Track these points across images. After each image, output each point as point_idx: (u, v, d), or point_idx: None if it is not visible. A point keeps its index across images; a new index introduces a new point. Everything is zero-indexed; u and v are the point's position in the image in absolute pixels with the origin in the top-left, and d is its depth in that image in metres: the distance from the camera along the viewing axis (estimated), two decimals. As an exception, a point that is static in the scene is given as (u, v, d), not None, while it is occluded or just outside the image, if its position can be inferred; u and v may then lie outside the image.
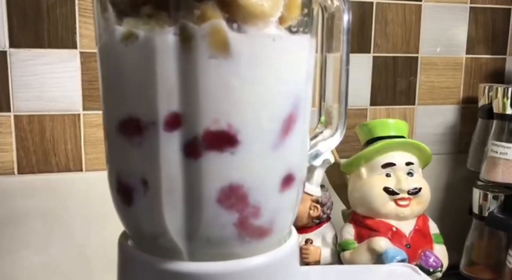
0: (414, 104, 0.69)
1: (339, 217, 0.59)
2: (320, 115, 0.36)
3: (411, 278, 0.42)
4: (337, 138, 0.35)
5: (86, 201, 0.57)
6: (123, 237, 0.31)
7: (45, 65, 0.55)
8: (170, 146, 0.26)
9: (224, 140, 0.26)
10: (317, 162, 0.50)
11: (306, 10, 0.28)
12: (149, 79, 0.25)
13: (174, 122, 0.26)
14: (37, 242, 0.56)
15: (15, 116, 0.55)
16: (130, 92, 0.27)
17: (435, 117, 0.70)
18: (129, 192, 0.28)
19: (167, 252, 0.28)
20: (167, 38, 0.25)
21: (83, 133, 0.57)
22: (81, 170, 0.58)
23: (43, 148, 0.56)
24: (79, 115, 0.57)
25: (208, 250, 0.28)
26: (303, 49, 0.28)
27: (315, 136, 0.35)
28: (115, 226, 0.56)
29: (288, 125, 0.28)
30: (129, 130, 0.27)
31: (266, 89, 0.26)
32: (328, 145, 0.35)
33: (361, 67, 0.66)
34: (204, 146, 0.26)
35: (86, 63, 0.56)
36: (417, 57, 0.68)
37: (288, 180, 0.28)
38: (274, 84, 0.27)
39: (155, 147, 0.26)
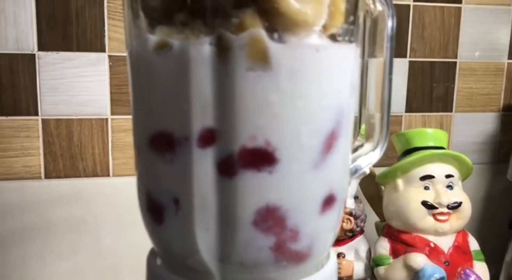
0: (451, 111, 0.66)
1: (372, 229, 0.57)
2: (360, 124, 0.34)
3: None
4: (378, 153, 0.33)
5: (113, 207, 0.56)
6: (152, 255, 0.30)
7: (74, 69, 0.54)
8: (204, 163, 0.24)
9: (262, 158, 0.24)
10: (353, 173, 0.48)
11: (351, 18, 0.26)
12: (183, 92, 0.24)
13: (208, 138, 0.24)
14: (63, 248, 0.55)
15: (43, 120, 0.54)
16: (162, 105, 0.25)
17: (473, 125, 0.67)
18: (159, 210, 0.26)
19: (197, 274, 0.27)
20: (202, 49, 0.23)
21: (110, 138, 0.56)
22: (108, 175, 0.57)
23: (70, 152, 0.55)
24: (107, 119, 0.56)
25: (241, 274, 0.26)
26: (347, 60, 0.26)
27: (355, 150, 0.33)
28: (142, 232, 0.56)
29: (330, 141, 0.26)
30: (160, 145, 0.25)
31: (308, 103, 0.24)
32: (369, 160, 0.33)
33: (397, 72, 0.63)
34: (240, 164, 0.24)
35: (115, 67, 0.55)
36: (455, 62, 0.65)
37: (329, 201, 0.26)
38: (316, 98, 0.25)
39: (187, 164, 0.24)
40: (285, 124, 0.24)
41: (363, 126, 0.34)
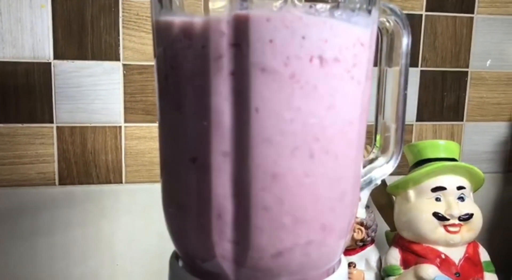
0: (462, 120, 0.66)
1: (383, 238, 0.57)
2: (375, 135, 0.35)
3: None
4: (391, 165, 0.33)
5: (125, 213, 0.57)
6: (175, 258, 0.31)
7: (88, 77, 0.55)
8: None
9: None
10: (363, 183, 0.48)
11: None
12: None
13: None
14: (76, 253, 0.56)
15: (58, 127, 0.55)
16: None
17: (484, 134, 0.67)
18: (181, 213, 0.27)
19: (214, 277, 0.28)
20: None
21: (124, 145, 0.57)
22: (121, 182, 0.57)
23: (84, 159, 0.56)
24: (120, 127, 0.56)
25: (254, 277, 0.27)
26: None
27: (370, 162, 0.34)
28: (154, 239, 0.56)
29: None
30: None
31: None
32: (383, 171, 0.33)
33: (408, 81, 0.63)
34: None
35: (129, 76, 0.56)
36: (466, 71, 0.65)
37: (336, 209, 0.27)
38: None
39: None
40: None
41: (378, 137, 0.35)
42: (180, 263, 0.31)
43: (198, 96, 0.25)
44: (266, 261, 0.26)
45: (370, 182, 0.34)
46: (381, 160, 0.35)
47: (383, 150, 0.35)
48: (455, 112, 0.66)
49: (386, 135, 0.35)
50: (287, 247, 0.26)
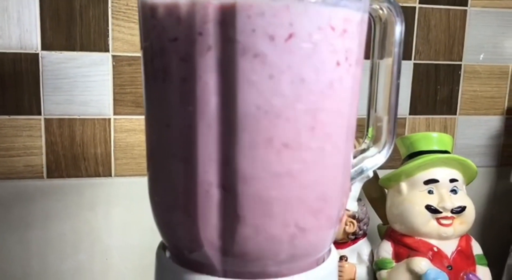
0: (455, 114, 0.66)
1: (375, 232, 0.57)
2: (367, 127, 0.34)
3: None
4: (384, 155, 0.33)
5: (114, 207, 0.56)
6: (161, 248, 0.30)
7: (77, 68, 0.54)
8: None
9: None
10: (355, 175, 0.48)
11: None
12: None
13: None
14: (66, 247, 0.55)
15: (46, 119, 0.54)
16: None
17: (477, 128, 0.67)
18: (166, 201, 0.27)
19: (202, 267, 0.27)
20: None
21: (113, 138, 0.56)
22: (110, 176, 0.57)
23: (72, 152, 0.55)
24: (109, 119, 0.55)
25: (242, 268, 0.27)
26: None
27: (362, 152, 0.33)
28: (144, 233, 0.55)
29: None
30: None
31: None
32: (375, 162, 0.33)
33: (401, 74, 0.62)
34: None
35: (118, 67, 0.55)
36: (460, 64, 0.65)
37: (328, 199, 0.27)
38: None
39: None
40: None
41: (370, 129, 0.34)
42: (167, 254, 0.30)
43: (184, 77, 0.24)
44: (253, 250, 0.26)
45: (361, 172, 0.34)
46: (373, 150, 0.34)
47: (375, 140, 0.34)
48: (448, 106, 0.65)
49: (378, 125, 0.34)
50: (275, 235, 0.26)
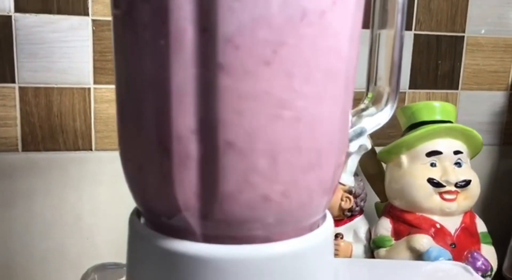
0: (457, 88, 0.62)
1: (372, 210, 0.53)
2: (367, 91, 0.31)
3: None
4: (387, 113, 0.29)
5: (95, 183, 0.53)
6: (135, 214, 0.27)
7: (54, 33, 0.50)
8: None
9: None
10: (353, 147, 0.45)
11: None
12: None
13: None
14: (39, 227, 0.52)
15: (20, 87, 0.50)
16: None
17: (479, 104, 0.63)
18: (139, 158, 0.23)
19: (180, 232, 0.24)
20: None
21: (93, 109, 0.52)
22: (91, 149, 0.53)
23: (49, 123, 0.52)
24: (89, 89, 0.52)
25: (225, 232, 0.23)
26: None
27: (361, 111, 0.30)
28: (125, 211, 0.52)
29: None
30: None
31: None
32: (376, 121, 0.29)
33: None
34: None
35: (98, 32, 0.51)
36: (463, 36, 0.61)
37: (320, 155, 0.23)
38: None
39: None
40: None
41: (370, 93, 0.31)
42: (142, 220, 0.27)
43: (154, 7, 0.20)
44: (237, 212, 0.22)
45: (360, 133, 0.30)
46: (373, 109, 0.31)
47: (376, 101, 0.31)
48: (449, 80, 0.62)
49: (379, 84, 0.31)
50: (261, 195, 0.22)
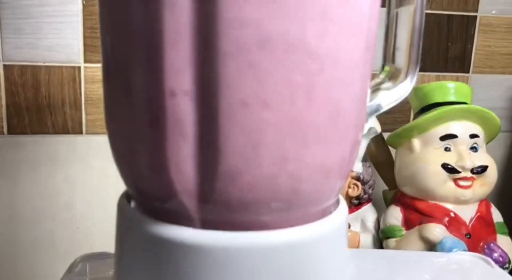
0: (468, 72, 0.59)
1: (379, 199, 0.51)
2: (384, 65, 0.28)
3: (485, 273, 0.33)
4: (406, 87, 0.26)
5: (86, 168, 0.50)
6: (125, 197, 0.24)
7: (41, 7, 0.47)
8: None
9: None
10: (361, 129, 0.41)
11: None
12: None
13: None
14: (28, 215, 0.49)
15: (5, 66, 0.47)
16: None
17: (492, 88, 0.60)
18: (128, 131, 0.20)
19: (176, 217, 0.21)
20: None
21: (83, 89, 0.49)
22: (81, 133, 0.50)
23: (37, 105, 0.48)
24: (79, 68, 0.49)
25: (225, 217, 0.20)
26: None
27: (376, 85, 0.27)
28: (117, 197, 0.49)
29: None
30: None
31: None
32: (395, 96, 0.26)
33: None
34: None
35: (89, 6, 0.48)
36: (475, 16, 0.58)
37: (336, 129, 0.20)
38: None
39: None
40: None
41: (386, 66, 0.28)
42: (132, 204, 0.24)
43: None
44: (240, 193, 0.19)
45: (376, 110, 0.27)
46: (390, 84, 0.28)
47: (394, 74, 0.28)
48: (460, 62, 0.59)
49: (398, 55, 0.28)
50: (267, 174, 0.19)
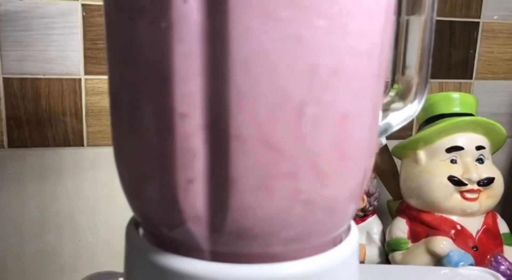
0: (471, 78, 0.59)
1: (383, 209, 0.50)
2: (393, 77, 0.28)
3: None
4: (415, 107, 0.26)
5: (87, 181, 0.50)
6: (133, 225, 0.23)
7: (41, 19, 0.46)
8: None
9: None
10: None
11: None
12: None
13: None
14: (30, 228, 0.49)
15: (5, 79, 0.47)
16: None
17: (495, 94, 0.60)
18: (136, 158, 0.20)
19: (184, 248, 0.21)
20: None
21: (84, 102, 0.49)
22: (82, 145, 0.49)
23: (37, 118, 0.48)
24: (80, 80, 0.48)
25: (236, 248, 0.20)
26: None
27: (386, 105, 0.27)
28: (121, 210, 0.48)
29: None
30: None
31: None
32: (404, 115, 0.26)
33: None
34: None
35: (89, 18, 0.47)
36: (478, 22, 0.58)
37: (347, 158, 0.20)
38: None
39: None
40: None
41: (395, 85, 0.28)
42: (141, 232, 0.23)
43: None
44: (251, 224, 0.19)
45: (386, 130, 0.27)
46: (400, 103, 0.27)
47: (404, 93, 0.28)
48: (463, 69, 0.59)
49: (407, 73, 0.28)
50: (279, 203, 0.19)
